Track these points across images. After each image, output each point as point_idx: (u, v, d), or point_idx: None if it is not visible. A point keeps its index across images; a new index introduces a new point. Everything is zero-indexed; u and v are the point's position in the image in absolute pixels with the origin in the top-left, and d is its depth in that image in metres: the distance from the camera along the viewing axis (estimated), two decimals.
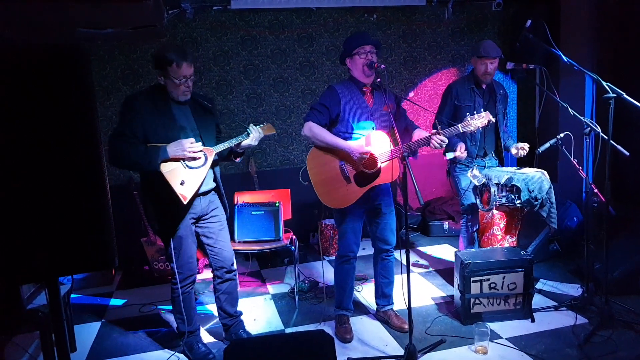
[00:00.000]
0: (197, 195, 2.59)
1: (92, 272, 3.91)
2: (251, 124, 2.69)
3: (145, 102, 2.49)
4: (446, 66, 5.04)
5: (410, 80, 4.99)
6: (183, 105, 2.59)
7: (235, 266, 2.90)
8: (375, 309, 3.21)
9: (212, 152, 2.58)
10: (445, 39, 5.00)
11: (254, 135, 2.63)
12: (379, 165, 2.71)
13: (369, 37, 2.80)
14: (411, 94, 4.98)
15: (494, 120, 2.71)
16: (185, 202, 2.48)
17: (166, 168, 2.47)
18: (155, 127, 2.48)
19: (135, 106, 2.47)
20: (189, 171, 2.52)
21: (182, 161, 2.50)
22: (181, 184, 2.49)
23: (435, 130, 2.66)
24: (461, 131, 2.69)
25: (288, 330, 3.09)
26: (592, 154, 4.28)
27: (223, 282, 2.85)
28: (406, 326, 2.90)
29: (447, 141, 2.66)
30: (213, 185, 2.72)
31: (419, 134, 2.77)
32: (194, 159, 2.52)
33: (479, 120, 2.67)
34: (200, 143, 2.54)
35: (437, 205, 4.97)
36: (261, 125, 2.73)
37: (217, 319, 3.01)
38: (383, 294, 3.11)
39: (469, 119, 2.68)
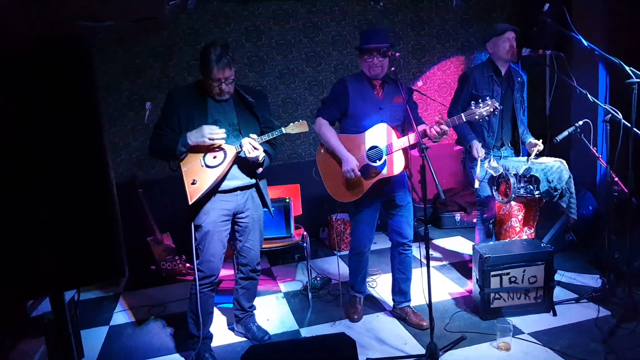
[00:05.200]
0: (232, 190, 2.57)
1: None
2: (249, 136, 2.47)
3: (184, 96, 2.50)
4: (455, 54, 4.92)
5: (418, 69, 4.87)
6: (224, 101, 2.54)
7: (260, 267, 2.85)
8: (391, 306, 3.14)
9: (233, 150, 2.49)
10: (454, 27, 4.87)
11: (245, 147, 2.42)
12: (384, 159, 2.71)
13: (376, 39, 2.69)
14: (419, 83, 4.87)
15: (500, 107, 2.57)
16: (190, 202, 2.43)
17: (185, 166, 2.47)
18: (188, 122, 2.48)
19: (174, 99, 2.49)
20: (204, 170, 2.47)
21: (201, 158, 2.47)
22: (192, 183, 2.45)
23: (436, 120, 2.54)
24: (464, 120, 2.57)
25: (303, 330, 3.01)
26: (607, 142, 4.20)
27: (245, 278, 2.83)
28: (424, 323, 2.87)
29: (447, 130, 2.54)
30: (251, 181, 2.65)
31: (421, 128, 2.69)
32: (215, 150, 2.47)
33: (484, 108, 2.51)
34: (223, 130, 2.44)
35: (448, 197, 4.88)
36: (295, 122, 2.58)
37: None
38: (400, 290, 3.03)
39: (473, 107, 2.54)
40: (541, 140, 3.17)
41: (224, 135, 2.45)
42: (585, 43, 2.71)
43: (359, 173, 2.70)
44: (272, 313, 3.26)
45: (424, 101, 4.93)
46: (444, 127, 2.53)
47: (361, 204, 2.82)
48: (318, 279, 3.62)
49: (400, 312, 3.04)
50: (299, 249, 3.90)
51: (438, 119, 2.54)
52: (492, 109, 2.51)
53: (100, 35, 4.14)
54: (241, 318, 2.93)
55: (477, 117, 2.53)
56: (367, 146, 2.73)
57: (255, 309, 2.98)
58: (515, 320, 2.86)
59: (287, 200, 3.48)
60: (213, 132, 2.41)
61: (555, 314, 2.91)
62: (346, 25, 4.59)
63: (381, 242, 4.20)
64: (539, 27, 2.77)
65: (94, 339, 3.10)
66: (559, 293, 3.16)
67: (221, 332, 3.04)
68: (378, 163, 2.71)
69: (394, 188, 2.85)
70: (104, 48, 4.18)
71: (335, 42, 4.62)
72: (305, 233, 3.49)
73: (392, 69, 2.58)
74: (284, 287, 3.70)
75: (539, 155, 3.19)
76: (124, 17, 3.84)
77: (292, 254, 4.23)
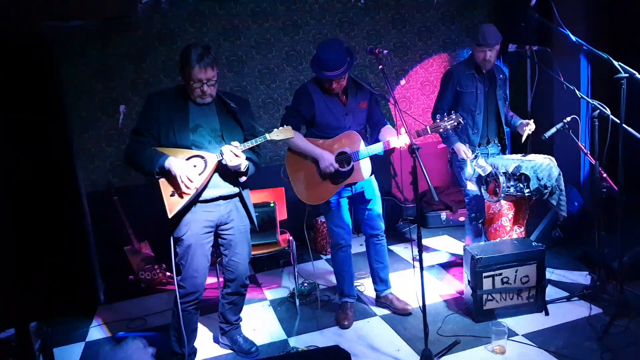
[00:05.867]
0: (214, 199, 2.44)
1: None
2: (231, 144, 2.32)
3: (164, 100, 2.37)
4: (437, 51, 4.87)
5: (401, 68, 4.80)
6: (206, 105, 2.40)
7: (248, 280, 2.71)
8: (375, 301, 3.19)
9: (214, 159, 2.34)
10: (436, 24, 4.82)
11: (225, 156, 2.29)
12: (351, 164, 2.75)
13: (332, 64, 2.62)
14: (402, 82, 4.80)
15: (463, 122, 2.71)
16: (170, 215, 2.29)
17: (163, 178, 2.33)
18: (168, 127, 2.34)
19: (153, 102, 2.36)
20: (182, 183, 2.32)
21: None
22: (171, 195, 2.31)
23: (403, 130, 2.57)
24: (430, 133, 2.67)
25: (292, 340, 2.89)
26: (589, 138, 4.20)
27: (233, 294, 2.69)
28: (409, 307, 3.01)
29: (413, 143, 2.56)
30: (235, 190, 2.50)
31: (387, 132, 2.80)
32: (194, 158, 2.34)
33: (449, 122, 2.63)
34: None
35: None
36: (279, 127, 2.48)
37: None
38: (380, 279, 3.11)
39: (438, 120, 2.64)
40: (532, 120, 3.14)
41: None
42: (573, 38, 2.67)
43: (337, 165, 2.72)
44: (259, 323, 3.13)
45: (407, 100, 4.87)
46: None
47: (333, 202, 2.88)
48: (305, 284, 3.51)
49: (384, 300, 3.11)
50: (284, 254, 3.77)
51: (407, 131, 2.62)
52: (455, 123, 2.61)
53: (69, 36, 3.93)
54: (227, 331, 2.80)
55: (441, 130, 2.63)
56: (336, 152, 2.75)
57: (241, 320, 2.85)
58: (509, 322, 2.81)
59: (272, 204, 3.35)
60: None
61: (547, 314, 2.87)
62: (327, 23, 4.49)
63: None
64: (527, 22, 2.71)
65: (68, 357, 2.91)
66: (549, 291, 3.11)
67: (205, 345, 2.90)
68: (346, 168, 2.74)
69: (362, 184, 2.90)
70: (74, 49, 3.96)
71: (316, 41, 4.51)
72: (291, 238, 3.37)
73: (380, 67, 2.50)
74: (270, 294, 3.57)
75: (527, 151, 3.16)
76: (93, 17, 3.65)
77: (277, 260, 4.10)
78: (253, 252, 3.23)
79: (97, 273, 1.08)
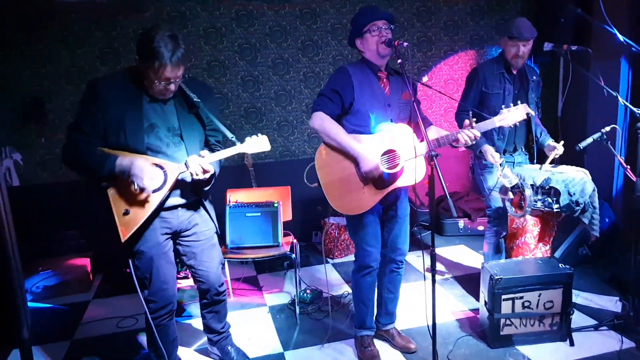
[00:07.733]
0: (170, 208, 2.13)
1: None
2: (200, 154, 2.05)
3: (114, 91, 1.95)
4: (464, 48, 4.55)
5: (424, 63, 4.50)
6: (163, 101, 2.04)
7: (224, 287, 2.45)
8: (374, 332, 2.72)
9: (175, 170, 2.03)
10: (464, 18, 4.50)
11: (192, 169, 2.01)
12: (401, 165, 2.28)
13: (379, 10, 2.34)
14: (425, 78, 4.51)
15: (533, 113, 2.37)
16: (123, 239, 1.98)
17: (112, 188, 1.98)
18: (118, 126, 1.94)
19: (100, 92, 1.93)
20: (138, 195, 1.98)
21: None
22: (124, 213, 1.96)
23: (468, 122, 2.24)
24: (497, 125, 2.31)
25: (288, 354, 2.67)
26: (626, 149, 3.86)
27: (210, 304, 2.45)
28: (412, 345, 2.62)
29: (479, 136, 2.27)
30: (192, 198, 2.21)
31: (435, 132, 2.37)
32: (152, 167, 1.99)
33: (517, 113, 2.29)
34: (158, 196, 1.99)
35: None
36: (252, 136, 2.15)
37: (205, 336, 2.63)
38: (387, 311, 2.70)
39: (504, 111, 2.29)
40: (562, 143, 2.84)
41: (151, 190, 1.98)
42: (620, 38, 2.35)
43: (380, 169, 2.26)
44: (255, 331, 2.92)
45: (429, 98, 4.58)
46: (476, 131, 2.23)
47: (366, 215, 2.39)
48: (308, 291, 3.28)
49: (385, 334, 2.72)
50: (287, 257, 3.55)
51: (472, 121, 2.24)
52: (524, 114, 2.29)
53: (75, 14, 3.76)
54: (215, 341, 2.56)
55: (509, 122, 2.28)
56: (381, 150, 2.30)
57: (229, 327, 2.61)
58: (527, 350, 2.54)
59: (275, 204, 3.13)
60: (151, 183, 1.95)
61: (572, 344, 2.59)
62: (347, 12, 4.22)
63: None
64: (567, 17, 2.40)
65: (50, 357, 2.73)
66: (575, 318, 2.82)
67: (192, 354, 2.70)
68: (394, 170, 2.28)
69: (398, 197, 2.47)
70: (80, 29, 3.80)
71: (334, 31, 4.25)
72: (294, 241, 3.14)
73: (399, 61, 2.22)
74: (270, 299, 3.36)
75: (557, 162, 2.85)
76: None
77: (281, 261, 3.88)
78: (253, 255, 3.04)
79: (22, 311, 0.87)
